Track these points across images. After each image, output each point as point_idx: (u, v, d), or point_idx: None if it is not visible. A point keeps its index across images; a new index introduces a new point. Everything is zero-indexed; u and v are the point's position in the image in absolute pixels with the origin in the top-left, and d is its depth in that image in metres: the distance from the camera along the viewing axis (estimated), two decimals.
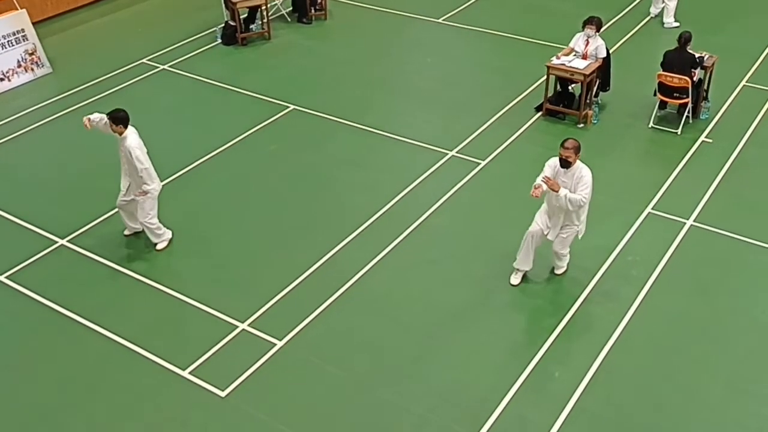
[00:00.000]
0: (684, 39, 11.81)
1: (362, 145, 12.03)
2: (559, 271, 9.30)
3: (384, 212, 10.42)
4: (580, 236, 8.95)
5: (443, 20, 16.08)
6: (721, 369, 8.14)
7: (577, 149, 8.45)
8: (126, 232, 9.98)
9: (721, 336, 8.54)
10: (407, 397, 7.86)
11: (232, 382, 8.02)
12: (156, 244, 9.78)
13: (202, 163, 11.59)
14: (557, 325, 8.63)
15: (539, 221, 8.90)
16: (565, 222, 8.81)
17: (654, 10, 15.87)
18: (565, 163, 8.48)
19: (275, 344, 8.46)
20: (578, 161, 8.55)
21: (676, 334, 8.56)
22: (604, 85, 12.73)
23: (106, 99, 13.39)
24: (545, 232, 8.90)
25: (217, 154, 11.81)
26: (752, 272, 9.40)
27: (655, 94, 12.22)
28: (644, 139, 12.07)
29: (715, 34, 14.95)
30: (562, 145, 8.49)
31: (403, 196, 10.72)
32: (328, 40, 15.64)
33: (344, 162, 11.59)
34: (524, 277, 9.28)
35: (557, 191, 8.43)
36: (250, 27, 15.53)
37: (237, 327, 8.69)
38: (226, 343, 8.48)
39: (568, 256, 9.27)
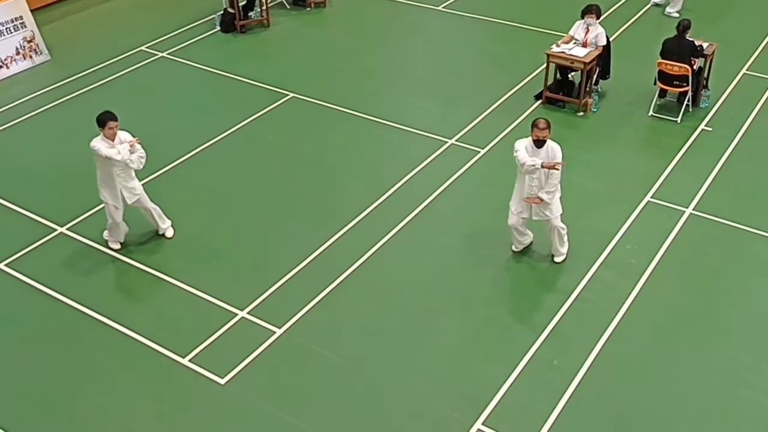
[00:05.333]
0: (683, 27, 11.78)
1: (361, 133, 12.01)
2: (558, 259, 9.31)
3: (384, 200, 10.42)
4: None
5: (443, 8, 16.04)
6: (719, 357, 8.16)
7: (550, 126, 8.64)
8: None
9: (719, 324, 8.55)
10: (406, 384, 7.89)
11: (232, 370, 8.04)
12: (165, 232, 9.80)
13: (201, 151, 11.58)
14: (556, 313, 8.65)
15: (515, 209, 9.05)
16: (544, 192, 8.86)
17: None
18: (540, 143, 8.63)
19: (275, 332, 8.48)
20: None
21: (674, 322, 8.57)
22: (604, 73, 12.70)
23: (105, 86, 13.38)
24: (524, 216, 9.04)
25: (215, 142, 11.79)
26: (751, 260, 9.41)
27: (655, 83, 12.20)
28: (644, 127, 12.06)
29: (715, 22, 14.92)
30: (536, 126, 8.60)
31: (402, 184, 10.72)
32: (328, 27, 15.60)
33: (343, 150, 11.58)
34: (525, 264, 9.31)
35: (558, 169, 8.65)
36: (249, 14, 15.48)
37: (236, 315, 8.70)
38: (226, 331, 8.50)
39: (567, 243, 9.28)
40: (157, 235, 9.83)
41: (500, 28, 15.23)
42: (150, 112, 12.67)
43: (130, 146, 9.03)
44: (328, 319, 8.65)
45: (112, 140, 8.99)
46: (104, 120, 8.92)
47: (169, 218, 9.86)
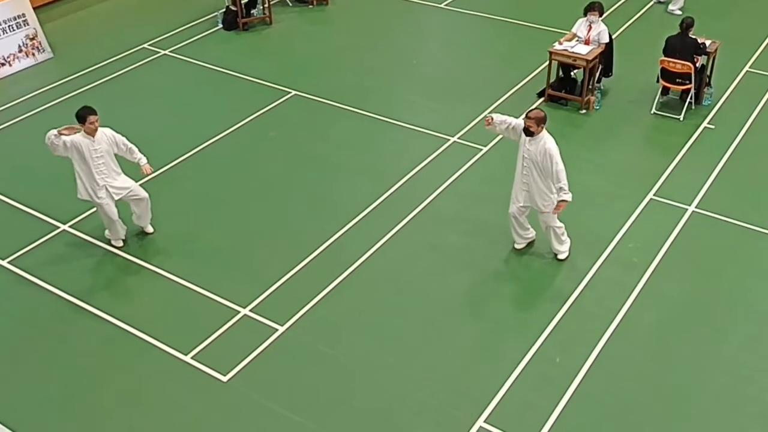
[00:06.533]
0: (686, 24, 11.76)
1: (363, 130, 12.01)
2: (561, 257, 9.30)
3: (386, 198, 10.42)
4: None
5: (445, 5, 16.03)
6: (721, 355, 8.16)
7: (538, 120, 8.59)
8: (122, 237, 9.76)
9: (721, 322, 8.55)
10: (408, 382, 7.89)
11: (234, 367, 8.05)
12: (147, 228, 9.79)
13: (203, 148, 11.58)
14: (558, 311, 8.65)
15: (514, 198, 9.09)
16: (543, 190, 8.83)
17: None
18: (528, 132, 8.65)
19: (277, 329, 8.49)
20: (544, 131, 8.67)
21: (676, 320, 8.57)
22: (607, 71, 12.69)
23: (107, 84, 13.39)
24: (523, 205, 9.04)
25: (217, 139, 11.80)
26: (754, 258, 9.40)
27: (657, 81, 12.19)
28: (646, 125, 12.05)
29: (718, 19, 14.90)
30: (526, 114, 8.64)
31: (404, 182, 10.72)
32: (330, 25, 15.59)
33: (345, 147, 11.58)
34: (527, 261, 9.32)
35: (489, 124, 9.01)
36: (252, 12, 15.48)
37: (239, 312, 8.71)
38: (228, 329, 8.51)
39: (568, 240, 9.28)
40: (161, 233, 9.83)
41: (502, 26, 15.21)
42: (152, 110, 12.68)
43: (69, 131, 8.84)
44: (331, 317, 8.66)
45: (93, 136, 8.95)
46: (84, 115, 8.87)
47: (170, 215, 9.88)
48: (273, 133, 11.96)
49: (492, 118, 8.96)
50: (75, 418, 7.62)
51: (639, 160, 11.18)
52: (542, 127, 8.63)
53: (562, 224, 9.12)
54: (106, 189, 9.14)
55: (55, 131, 8.84)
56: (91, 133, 8.93)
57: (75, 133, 8.91)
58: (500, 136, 11.51)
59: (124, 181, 9.28)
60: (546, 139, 8.64)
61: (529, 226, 9.38)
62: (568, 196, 8.64)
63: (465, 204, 10.34)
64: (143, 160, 9.30)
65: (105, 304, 8.87)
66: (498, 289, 9.05)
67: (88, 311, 8.79)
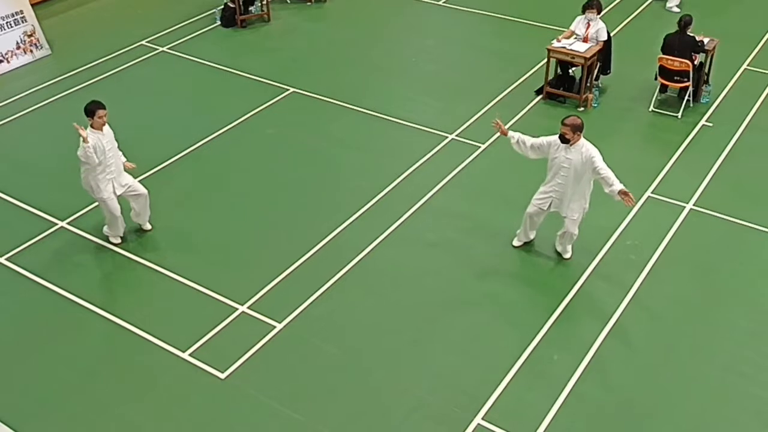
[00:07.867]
0: (684, 22, 11.77)
1: (362, 128, 12.01)
2: (566, 256, 9.29)
3: (384, 195, 10.42)
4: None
5: (444, 3, 16.02)
6: (719, 352, 8.17)
7: (574, 127, 8.49)
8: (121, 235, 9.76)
9: (719, 320, 8.56)
10: (406, 379, 7.90)
11: (232, 364, 8.05)
12: (145, 225, 9.78)
13: (201, 145, 11.57)
14: (556, 309, 8.65)
15: (539, 201, 9.03)
16: (573, 198, 8.82)
17: None
18: (563, 139, 8.59)
19: (275, 326, 8.49)
20: (582, 139, 8.57)
21: (674, 317, 8.58)
22: (605, 69, 12.69)
23: (105, 81, 13.37)
24: (548, 210, 9.02)
25: (216, 137, 11.79)
26: (751, 256, 9.41)
27: (655, 78, 12.20)
28: (645, 122, 12.06)
29: (716, 17, 14.91)
30: (562, 121, 8.58)
31: (403, 179, 10.72)
32: (328, 22, 15.58)
33: (343, 145, 11.58)
34: (524, 259, 9.32)
35: (506, 134, 9.01)
36: (250, 9, 15.46)
37: (237, 309, 8.71)
38: (226, 326, 8.51)
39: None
40: (159, 230, 9.83)
41: (501, 23, 15.21)
42: (150, 107, 12.67)
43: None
44: (329, 314, 8.66)
45: (101, 130, 8.92)
46: (93, 110, 8.83)
47: (168, 212, 9.87)
48: (271, 130, 11.96)
49: (506, 132, 8.96)
50: (74, 416, 7.61)
51: (637, 158, 11.18)
52: (579, 135, 8.52)
53: (577, 232, 9.13)
54: (112, 184, 9.14)
55: (81, 148, 8.71)
56: (99, 127, 8.92)
57: (82, 130, 8.81)
58: (498, 134, 11.52)
59: (125, 177, 9.29)
60: (587, 147, 8.55)
61: (535, 228, 9.36)
62: (621, 184, 8.49)
63: (463, 201, 10.34)
64: (123, 158, 9.29)
65: (103, 301, 8.87)
66: (496, 286, 9.05)
67: (86, 308, 8.79)
